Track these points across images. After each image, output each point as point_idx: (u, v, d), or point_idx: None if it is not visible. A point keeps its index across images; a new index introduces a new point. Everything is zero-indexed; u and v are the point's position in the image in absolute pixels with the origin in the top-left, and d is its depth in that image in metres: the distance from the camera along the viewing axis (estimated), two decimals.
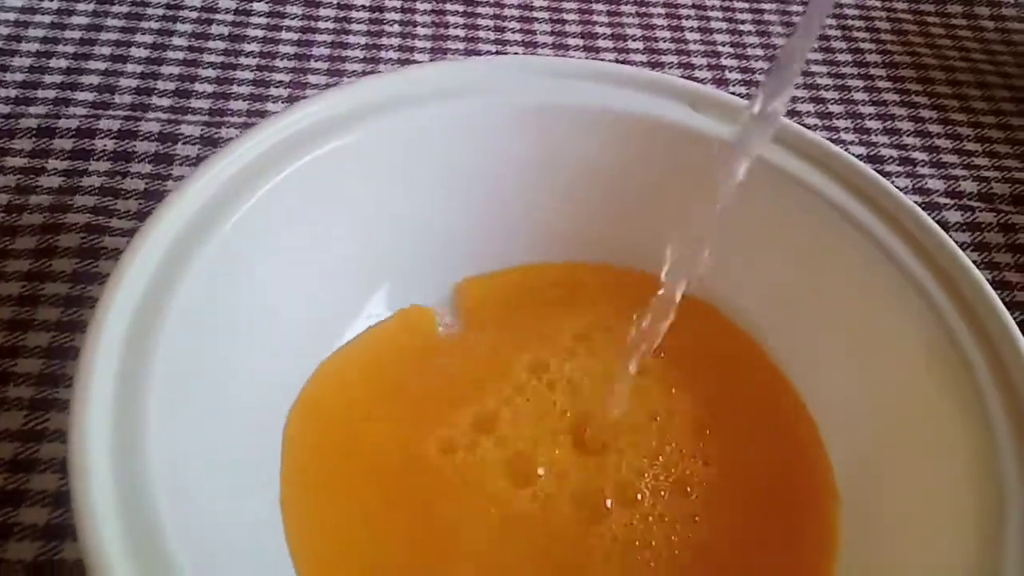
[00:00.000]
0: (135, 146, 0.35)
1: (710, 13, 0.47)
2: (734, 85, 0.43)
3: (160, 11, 0.41)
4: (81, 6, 0.41)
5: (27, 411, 0.27)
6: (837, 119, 0.42)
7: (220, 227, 0.24)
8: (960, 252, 0.26)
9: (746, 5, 0.48)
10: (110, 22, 0.40)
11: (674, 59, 0.44)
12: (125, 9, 0.41)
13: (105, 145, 0.34)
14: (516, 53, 0.42)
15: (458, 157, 0.29)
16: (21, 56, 0.38)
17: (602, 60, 0.43)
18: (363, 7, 0.43)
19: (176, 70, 0.38)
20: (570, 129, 0.30)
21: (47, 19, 0.40)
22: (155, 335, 0.21)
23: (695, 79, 0.42)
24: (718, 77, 0.43)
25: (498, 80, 0.29)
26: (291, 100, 0.38)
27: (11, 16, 0.40)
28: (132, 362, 0.20)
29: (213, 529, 0.20)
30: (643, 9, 0.46)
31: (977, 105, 0.44)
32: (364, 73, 0.40)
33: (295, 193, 0.25)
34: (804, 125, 0.40)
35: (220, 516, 0.21)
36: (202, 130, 0.36)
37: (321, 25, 0.42)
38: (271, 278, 0.25)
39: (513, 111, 0.29)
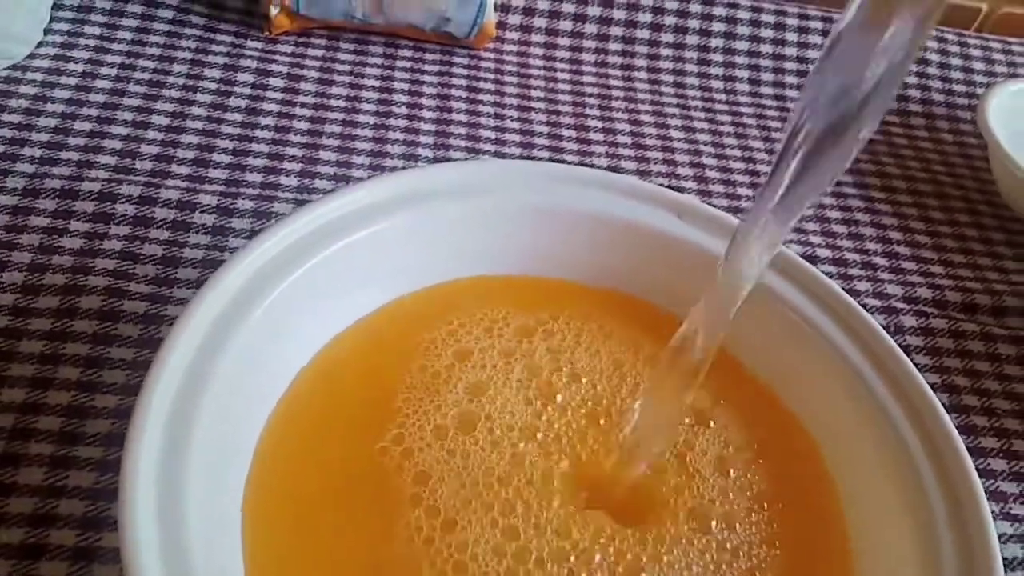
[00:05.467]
0: (154, 212, 0.37)
1: (693, 114, 0.50)
2: (713, 183, 0.46)
3: (181, 80, 0.43)
4: (104, 70, 0.43)
5: (47, 468, 0.29)
6: (806, 221, 0.45)
7: (257, 307, 0.26)
8: (910, 364, 0.29)
9: (726, 108, 0.51)
10: (132, 88, 0.43)
11: (659, 155, 0.47)
12: (147, 76, 0.43)
13: (126, 210, 0.36)
14: (514, 141, 0.45)
15: (466, 245, 0.32)
16: (47, 116, 0.40)
17: (593, 152, 0.46)
18: (374, 87, 0.46)
19: (195, 139, 0.41)
20: (565, 229, 0.32)
21: (72, 81, 0.42)
22: (196, 412, 0.23)
23: (677, 175, 0.46)
24: (699, 175, 0.46)
25: (505, 181, 0.32)
26: (303, 175, 0.40)
27: (38, 76, 0.42)
28: (176, 433, 0.22)
29: None
30: (632, 106, 0.49)
31: (935, 215, 0.48)
32: (372, 163, 0.42)
33: (326, 275, 0.28)
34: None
35: None
36: (218, 200, 0.38)
37: (333, 103, 0.45)
38: (294, 349, 0.28)
39: (518, 211, 0.32)
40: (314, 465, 0.26)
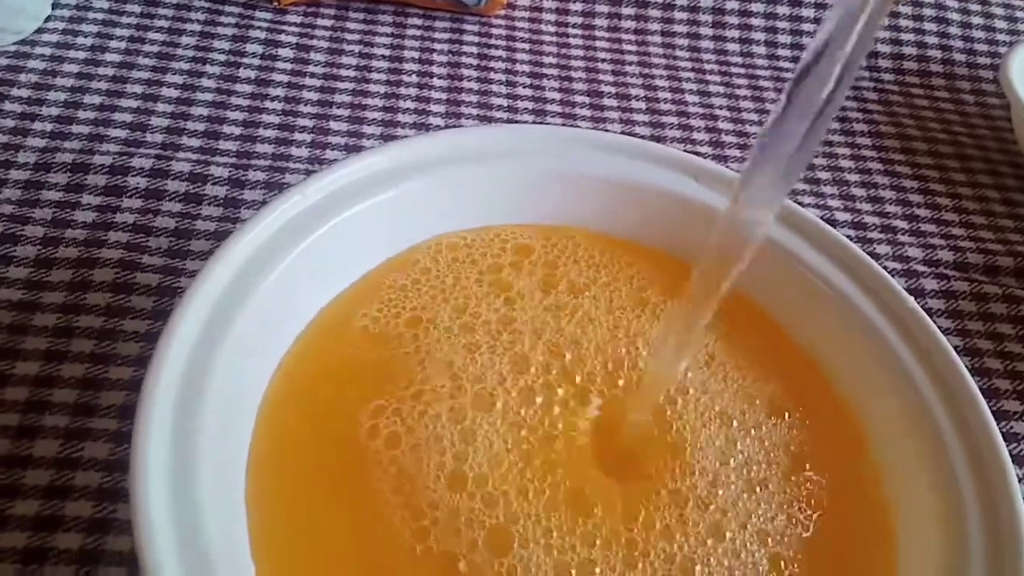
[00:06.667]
0: (166, 185, 0.37)
1: (708, 77, 0.49)
2: (729, 148, 0.45)
3: (190, 52, 0.43)
4: (113, 44, 0.43)
5: (63, 440, 0.29)
6: (824, 185, 0.45)
7: (264, 279, 0.26)
8: (936, 329, 0.28)
9: (742, 71, 0.50)
10: (141, 61, 0.42)
11: (674, 119, 0.46)
12: (156, 49, 0.43)
13: (137, 183, 0.36)
14: (527, 108, 0.44)
15: (481, 210, 0.31)
16: (57, 90, 0.40)
17: (607, 118, 0.45)
18: (384, 56, 0.46)
19: (205, 111, 0.40)
20: (582, 193, 0.32)
21: (81, 55, 0.42)
22: (205, 379, 0.23)
23: (692, 140, 0.45)
24: (714, 140, 0.45)
25: (524, 147, 0.31)
26: (314, 146, 0.40)
27: (47, 51, 0.41)
28: (188, 399, 0.22)
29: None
30: (646, 70, 0.49)
31: (956, 176, 0.47)
32: (384, 133, 0.42)
33: (336, 245, 0.27)
34: (792, 190, 0.43)
35: None
36: (230, 172, 0.38)
37: (343, 73, 0.44)
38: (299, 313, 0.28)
39: (538, 175, 0.31)
40: (310, 413, 0.26)
